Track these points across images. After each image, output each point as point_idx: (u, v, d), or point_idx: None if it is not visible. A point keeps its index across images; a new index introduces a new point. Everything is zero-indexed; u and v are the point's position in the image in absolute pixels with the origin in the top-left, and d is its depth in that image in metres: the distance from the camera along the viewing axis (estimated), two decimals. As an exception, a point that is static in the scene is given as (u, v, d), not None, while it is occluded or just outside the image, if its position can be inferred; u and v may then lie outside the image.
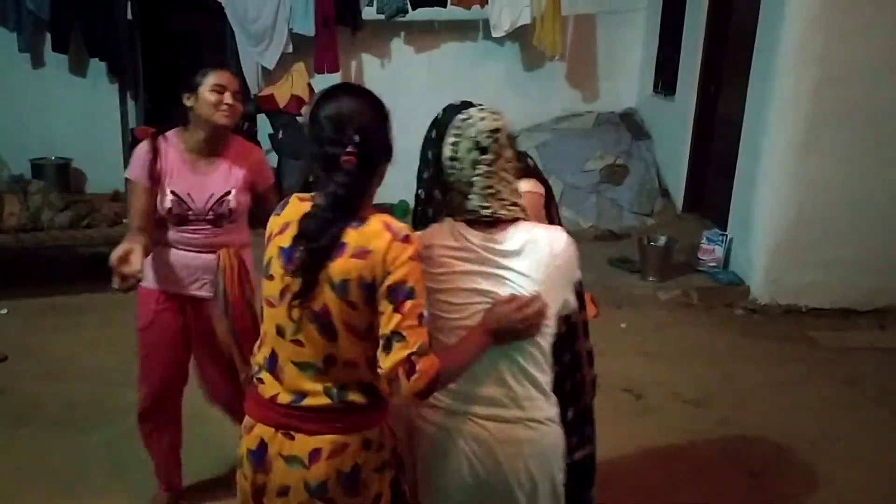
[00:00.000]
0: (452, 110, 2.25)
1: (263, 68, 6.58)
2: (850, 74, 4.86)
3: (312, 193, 1.64)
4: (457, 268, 1.72)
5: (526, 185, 2.29)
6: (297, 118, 6.48)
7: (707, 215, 6.25)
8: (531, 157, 2.47)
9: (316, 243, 1.55)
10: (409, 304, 1.53)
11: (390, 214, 1.66)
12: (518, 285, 1.69)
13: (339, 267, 1.55)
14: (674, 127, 6.70)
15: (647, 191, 6.79)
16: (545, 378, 1.76)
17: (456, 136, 1.77)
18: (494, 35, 6.82)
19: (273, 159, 6.63)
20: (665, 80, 6.88)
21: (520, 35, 6.93)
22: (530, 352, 1.72)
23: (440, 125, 2.26)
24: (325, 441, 1.61)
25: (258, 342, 1.74)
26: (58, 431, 3.48)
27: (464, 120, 1.77)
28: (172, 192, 2.50)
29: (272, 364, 1.67)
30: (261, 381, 1.69)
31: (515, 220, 1.74)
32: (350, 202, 1.57)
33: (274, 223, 1.68)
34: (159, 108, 7.16)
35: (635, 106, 7.48)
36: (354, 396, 1.62)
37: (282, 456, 1.64)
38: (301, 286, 1.56)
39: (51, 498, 3.04)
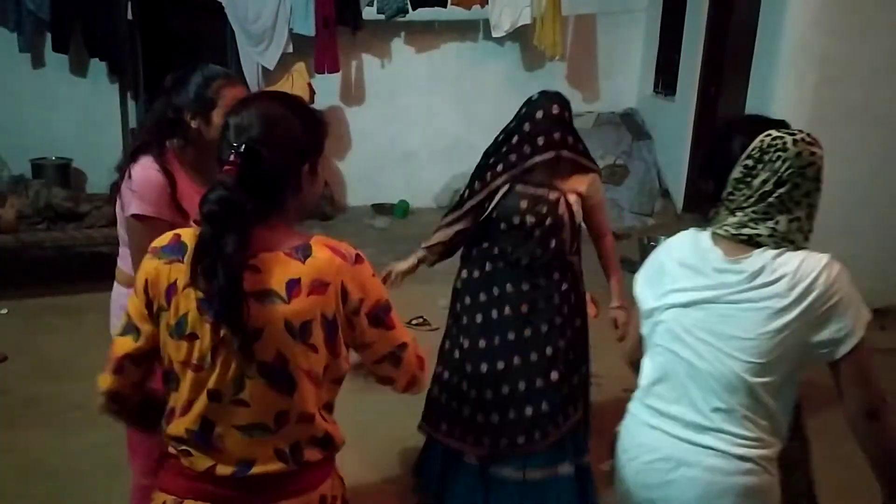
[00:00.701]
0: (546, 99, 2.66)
1: (264, 68, 6.58)
2: (851, 75, 4.86)
3: None
4: (685, 296, 1.63)
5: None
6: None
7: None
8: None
9: (219, 281, 1.29)
10: (393, 315, 1.49)
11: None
12: (749, 321, 1.54)
13: (299, 308, 1.35)
14: (674, 127, 6.70)
15: (648, 191, 6.80)
16: (755, 416, 1.59)
17: (755, 160, 1.57)
18: (495, 35, 6.82)
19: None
20: (665, 80, 6.89)
21: (520, 35, 6.94)
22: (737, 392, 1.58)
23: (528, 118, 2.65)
24: None
25: (168, 415, 1.45)
26: (56, 432, 3.48)
27: (772, 146, 1.56)
28: (196, 223, 2.16)
29: (203, 435, 1.40)
30: (185, 453, 1.42)
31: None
32: (227, 222, 1.31)
33: (177, 270, 1.39)
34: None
35: (635, 106, 7.49)
36: (309, 454, 1.44)
37: None
38: (243, 339, 1.33)
39: (51, 498, 3.04)
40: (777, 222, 1.57)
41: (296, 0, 6.40)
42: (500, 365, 2.67)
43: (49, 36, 6.26)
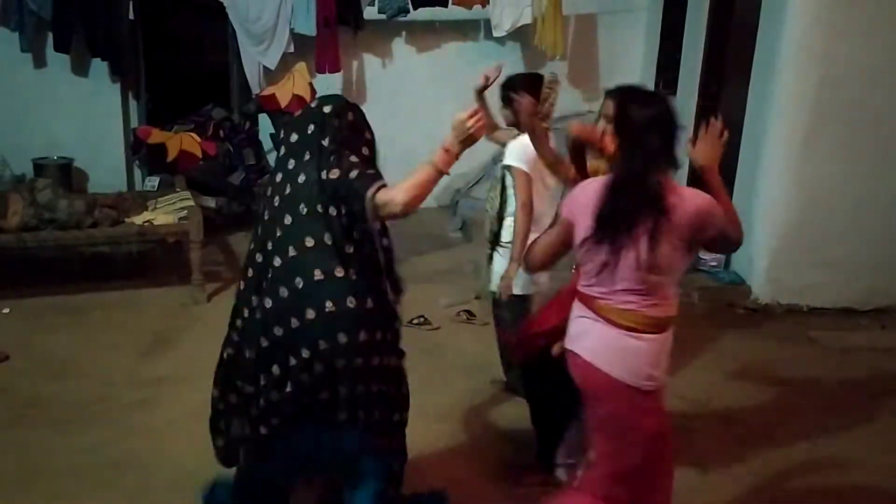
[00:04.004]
0: None
1: (265, 68, 6.59)
2: (852, 74, 4.85)
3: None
4: None
5: None
6: (299, 118, 6.48)
7: (708, 215, 6.22)
8: None
9: None
10: None
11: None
12: None
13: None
14: (675, 127, 6.68)
15: (649, 190, 6.79)
16: None
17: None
18: (496, 35, 6.82)
19: (274, 159, 6.65)
20: (666, 79, 6.88)
21: (521, 35, 6.94)
22: None
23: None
24: None
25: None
26: (58, 431, 3.48)
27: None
28: None
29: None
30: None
31: None
32: None
33: None
34: (161, 108, 7.19)
35: (637, 106, 7.47)
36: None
37: None
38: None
39: (51, 498, 3.05)
40: None
41: (297, 0, 6.40)
42: None
43: (51, 36, 6.24)
